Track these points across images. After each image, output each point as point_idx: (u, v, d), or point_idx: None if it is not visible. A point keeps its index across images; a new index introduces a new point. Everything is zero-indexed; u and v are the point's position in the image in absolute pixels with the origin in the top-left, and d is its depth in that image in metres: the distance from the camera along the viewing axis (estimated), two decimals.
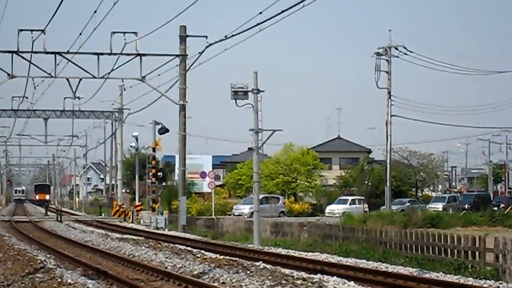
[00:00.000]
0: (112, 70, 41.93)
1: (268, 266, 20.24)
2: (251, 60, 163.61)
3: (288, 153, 75.25)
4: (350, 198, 65.28)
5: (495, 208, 59.36)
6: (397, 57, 54.50)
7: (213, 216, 53.40)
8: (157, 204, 50.81)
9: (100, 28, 32.81)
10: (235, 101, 32.12)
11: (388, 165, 55.02)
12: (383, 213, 50.87)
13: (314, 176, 74.72)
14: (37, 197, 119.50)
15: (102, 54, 40.73)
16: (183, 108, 41.67)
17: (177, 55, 41.47)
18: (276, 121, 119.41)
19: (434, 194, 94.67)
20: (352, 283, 16.82)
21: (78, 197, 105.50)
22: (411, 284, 17.58)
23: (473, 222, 47.31)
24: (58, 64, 41.07)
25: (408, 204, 62.75)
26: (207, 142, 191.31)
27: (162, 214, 46.67)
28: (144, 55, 41.40)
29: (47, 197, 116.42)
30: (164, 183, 67.80)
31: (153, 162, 52.57)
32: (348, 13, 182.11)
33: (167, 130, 49.60)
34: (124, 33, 39.79)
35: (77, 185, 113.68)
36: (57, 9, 23.80)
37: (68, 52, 40.31)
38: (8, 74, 40.77)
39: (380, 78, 53.42)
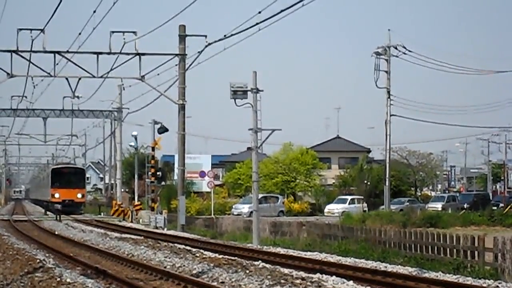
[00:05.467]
0: (111, 70, 41.97)
1: (267, 265, 20.24)
2: (250, 60, 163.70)
3: (287, 153, 75.30)
4: (349, 197, 65.30)
5: (494, 208, 59.40)
6: (396, 56, 54.54)
7: (212, 216, 53.42)
8: (156, 203, 50.82)
9: (99, 28, 32.91)
10: (234, 100, 32.18)
11: (387, 164, 55.03)
12: (382, 212, 50.88)
13: (313, 175, 74.76)
14: (56, 195, 65.26)
15: (101, 53, 40.76)
16: (182, 107, 41.67)
17: (176, 55, 41.47)
18: (275, 120, 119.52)
19: (433, 193, 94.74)
20: (351, 282, 16.83)
21: None
22: (410, 283, 17.58)
23: (472, 221, 47.34)
24: (57, 64, 41.14)
25: (407, 203, 62.78)
26: (206, 141, 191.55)
27: (161, 213, 46.67)
28: (143, 54, 41.41)
29: (79, 195, 66.58)
30: (163, 183, 67.79)
31: (152, 162, 52.60)
32: (347, 13, 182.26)
33: (166, 130, 49.61)
34: (123, 32, 39.81)
35: None
36: (57, 8, 23.86)
37: (67, 52, 40.33)
38: (8, 73, 40.80)
39: (379, 78, 53.46)
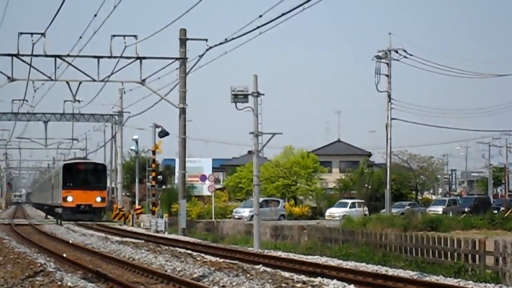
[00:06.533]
0: (112, 73, 41.99)
1: (268, 269, 20.23)
2: (251, 63, 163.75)
3: (288, 156, 75.33)
4: (350, 201, 65.29)
5: (495, 211, 59.45)
6: (397, 60, 54.64)
7: (213, 219, 53.40)
8: (157, 207, 50.79)
9: (100, 32, 32.86)
10: (235, 104, 32.23)
11: (388, 168, 55.03)
12: (383, 216, 50.89)
13: (314, 179, 74.76)
14: (69, 198, 54.08)
15: (102, 57, 40.80)
16: (183, 111, 41.69)
17: (177, 58, 41.49)
18: (276, 124, 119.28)
19: (434, 197, 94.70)
20: (352, 286, 16.81)
21: None
22: (411, 287, 17.57)
23: (473, 225, 47.34)
24: (58, 67, 41.19)
25: (408, 207, 62.78)
26: (207, 145, 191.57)
27: (162, 217, 46.64)
28: (144, 58, 41.44)
29: (99, 199, 54.86)
30: (164, 186, 67.83)
31: (153, 165, 52.55)
32: (348, 16, 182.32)
33: (167, 133, 49.62)
34: (124, 36, 39.85)
35: None
36: (57, 12, 23.84)
37: (68, 55, 40.37)
38: (8, 77, 40.84)
39: (380, 81, 53.59)
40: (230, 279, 18.18)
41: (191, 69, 41.05)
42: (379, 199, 62.93)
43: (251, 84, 32.49)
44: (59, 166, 62.43)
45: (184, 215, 41.93)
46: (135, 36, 40.26)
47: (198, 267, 21.15)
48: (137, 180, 64.34)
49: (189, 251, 26.59)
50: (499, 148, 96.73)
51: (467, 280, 19.22)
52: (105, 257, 25.54)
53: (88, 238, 35.90)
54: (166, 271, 20.87)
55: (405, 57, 54.53)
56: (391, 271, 20.69)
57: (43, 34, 38.01)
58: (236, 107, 32.31)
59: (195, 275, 19.55)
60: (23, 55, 39.86)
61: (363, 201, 64.30)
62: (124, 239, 34.54)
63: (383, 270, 21.12)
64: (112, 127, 68.07)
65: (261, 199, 45.43)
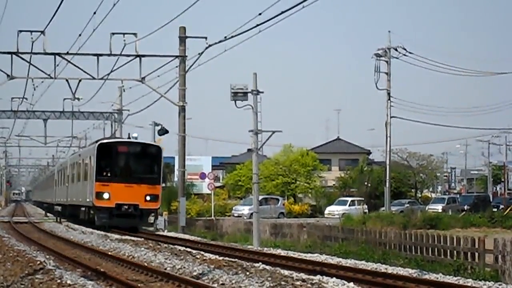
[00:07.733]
0: (111, 71, 42.00)
1: (268, 267, 20.21)
2: (250, 61, 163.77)
3: (287, 154, 75.35)
4: (349, 199, 65.35)
5: (495, 209, 59.45)
6: (396, 58, 54.68)
7: (212, 217, 53.41)
8: None
9: (99, 29, 32.87)
10: (235, 102, 32.23)
11: (387, 166, 55.04)
12: (382, 214, 50.90)
13: (313, 177, 74.81)
14: (105, 195, 36.79)
15: (101, 55, 40.79)
16: (182, 109, 41.69)
17: (176, 56, 41.49)
18: (276, 122, 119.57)
19: (433, 195, 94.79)
20: (351, 284, 16.80)
21: None
22: (410, 285, 17.56)
23: (473, 223, 47.35)
24: (57, 65, 41.19)
25: (408, 205, 62.84)
26: (206, 143, 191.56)
27: (161, 215, 46.63)
28: (143, 56, 41.43)
29: (149, 197, 36.88)
30: (163, 184, 67.70)
31: None
32: (348, 14, 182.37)
33: (166, 131, 49.60)
34: (123, 34, 39.84)
35: None
36: (57, 10, 23.78)
37: (67, 53, 40.35)
38: (8, 75, 40.84)
39: (379, 79, 53.58)
40: (229, 277, 18.17)
41: (190, 67, 41.10)
42: (379, 197, 62.99)
43: (250, 82, 32.52)
44: (89, 148, 43.28)
45: (183, 213, 41.92)
46: (134, 34, 40.29)
47: (197, 265, 21.14)
48: None
49: (188, 249, 26.57)
50: (499, 146, 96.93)
51: (467, 278, 19.22)
52: (105, 255, 25.51)
53: (88, 236, 35.85)
54: (165, 269, 20.85)
55: (404, 55, 54.60)
56: (390, 269, 20.69)
57: (42, 32, 38.02)
58: (236, 105, 32.31)
59: (194, 273, 19.54)
60: (22, 53, 39.86)
61: (362, 199, 64.33)
62: (124, 237, 34.50)
63: (382, 268, 21.12)
64: (111, 125, 67.98)
65: (260, 197, 45.53)
